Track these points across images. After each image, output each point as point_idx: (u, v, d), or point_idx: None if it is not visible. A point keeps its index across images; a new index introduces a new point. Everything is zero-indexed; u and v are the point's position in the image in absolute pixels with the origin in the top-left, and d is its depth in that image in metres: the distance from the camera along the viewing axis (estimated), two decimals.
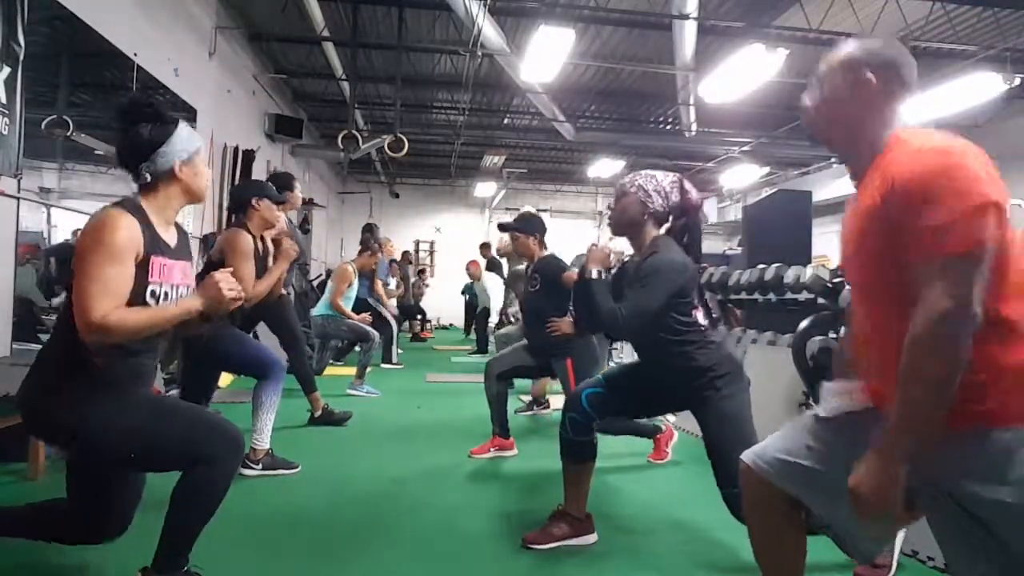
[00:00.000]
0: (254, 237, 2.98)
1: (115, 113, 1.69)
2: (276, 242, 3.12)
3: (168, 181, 1.68)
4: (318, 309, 5.36)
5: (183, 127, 1.71)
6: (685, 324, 2.09)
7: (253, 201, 3.00)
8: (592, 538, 2.28)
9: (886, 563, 1.93)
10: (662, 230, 2.20)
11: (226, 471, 1.63)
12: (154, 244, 1.62)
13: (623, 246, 2.43)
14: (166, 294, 1.65)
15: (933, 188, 1.06)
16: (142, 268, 1.58)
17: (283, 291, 3.71)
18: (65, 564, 1.92)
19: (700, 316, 2.15)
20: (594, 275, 2.08)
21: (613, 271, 2.42)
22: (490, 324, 8.83)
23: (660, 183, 2.18)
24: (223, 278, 1.65)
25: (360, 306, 6.47)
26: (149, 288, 1.60)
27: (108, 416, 1.57)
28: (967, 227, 1.03)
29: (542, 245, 3.51)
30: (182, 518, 1.60)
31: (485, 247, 8.94)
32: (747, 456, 1.40)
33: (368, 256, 5.65)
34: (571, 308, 3.40)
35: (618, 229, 2.24)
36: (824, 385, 1.36)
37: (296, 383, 4.17)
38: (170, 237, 1.72)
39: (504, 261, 6.40)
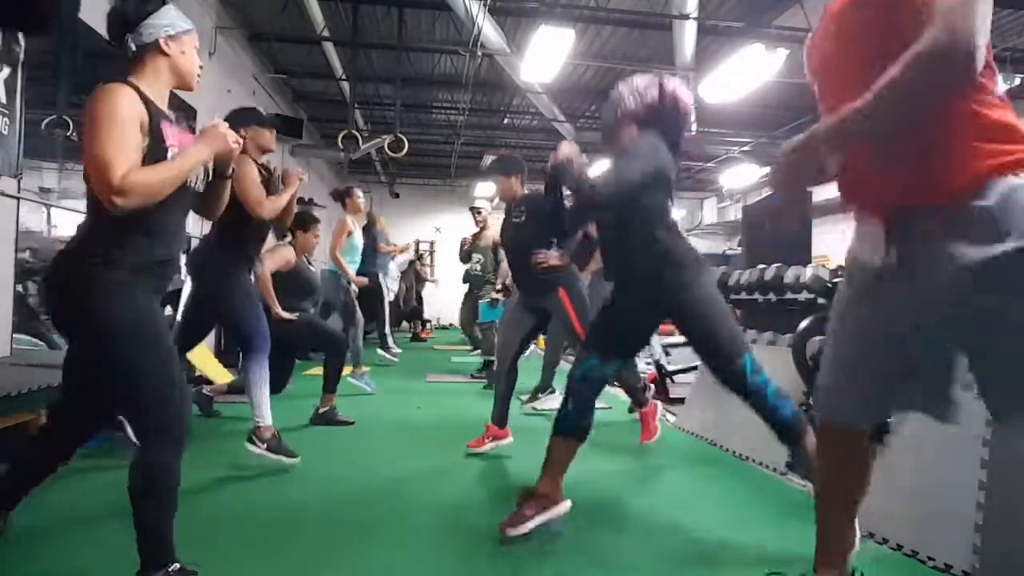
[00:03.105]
0: (258, 165, 3.00)
1: None
2: (284, 173, 3.13)
3: (154, 55, 1.70)
4: (326, 264, 5.37)
5: (171, 7, 1.74)
6: (660, 211, 2.19)
7: (241, 131, 3.00)
8: (565, 506, 2.29)
9: None
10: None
11: (166, 455, 1.61)
12: (158, 112, 1.65)
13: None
14: None
15: None
16: (155, 135, 1.60)
17: (292, 316, 3.90)
18: (64, 569, 1.92)
19: (675, 213, 2.26)
20: (561, 164, 2.17)
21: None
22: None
23: (635, 84, 2.27)
24: (222, 123, 1.74)
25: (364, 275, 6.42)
26: (169, 153, 1.63)
27: (113, 307, 1.58)
28: None
29: (523, 185, 3.58)
30: (144, 513, 1.60)
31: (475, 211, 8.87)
32: (820, 413, 1.47)
33: (351, 201, 5.59)
34: (554, 242, 3.39)
35: (603, 136, 2.34)
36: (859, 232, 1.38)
37: (297, 385, 4.19)
38: (168, 112, 1.74)
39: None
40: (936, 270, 1.16)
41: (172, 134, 1.66)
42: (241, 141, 1.81)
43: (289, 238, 4.15)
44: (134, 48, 1.68)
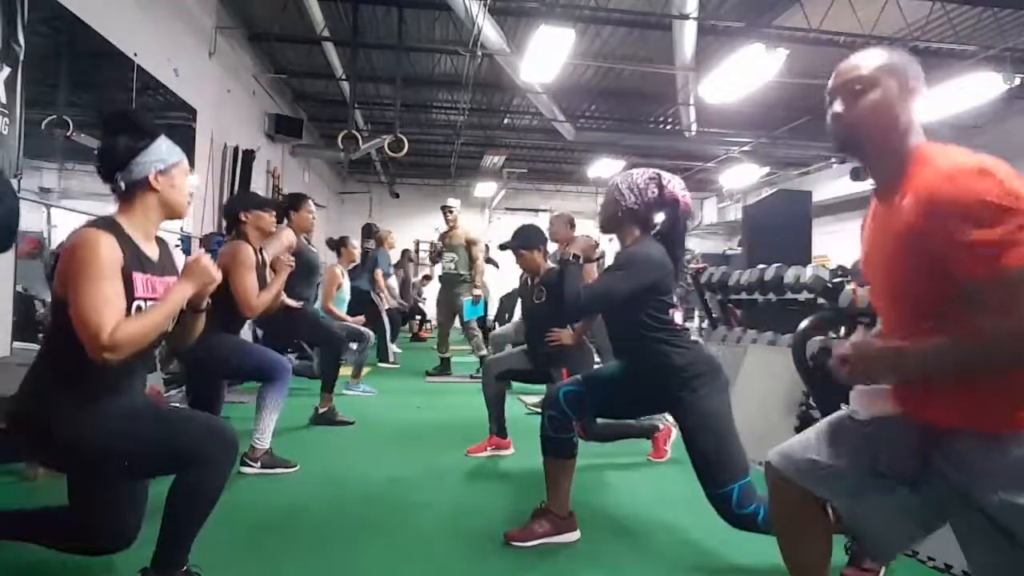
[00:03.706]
0: (255, 249, 3.01)
1: (99, 124, 1.72)
2: (274, 261, 3.12)
3: (144, 192, 1.68)
4: None
5: (163, 140, 1.72)
6: (661, 322, 2.09)
7: (242, 215, 3.03)
8: (574, 536, 2.28)
9: (875, 568, 1.93)
10: (652, 231, 2.19)
11: (219, 472, 1.63)
12: (135, 260, 1.62)
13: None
14: None
15: (983, 208, 1.08)
16: (126, 285, 1.58)
17: (298, 305, 3.87)
18: (67, 564, 1.92)
19: (678, 316, 2.15)
20: (571, 259, 2.10)
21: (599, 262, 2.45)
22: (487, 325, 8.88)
23: (634, 180, 2.17)
24: (204, 257, 1.69)
25: (361, 298, 6.47)
26: (135, 304, 1.60)
27: (102, 426, 1.57)
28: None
29: (546, 256, 3.50)
30: (178, 519, 1.60)
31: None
32: (773, 457, 1.42)
33: (347, 251, 5.65)
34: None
35: (603, 226, 2.27)
36: (856, 388, 1.36)
37: (297, 385, 4.18)
38: (152, 252, 1.72)
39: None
40: (951, 481, 1.19)
41: (143, 284, 1.63)
42: (220, 277, 1.75)
43: (285, 222, 4.12)
44: (123, 187, 1.66)
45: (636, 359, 2.17)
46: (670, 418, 4.18)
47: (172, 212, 1.75)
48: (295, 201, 4.08)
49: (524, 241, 3.39)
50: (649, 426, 3.42)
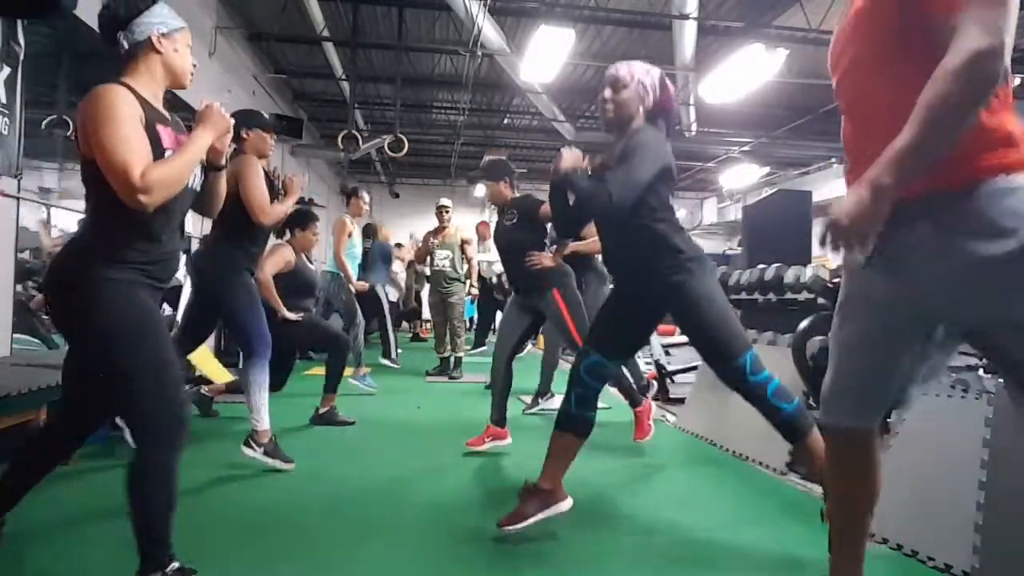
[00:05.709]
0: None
1: None
2: (286, 181, 3.10)
3: (147, 54, 1.69)
4: (326, 264, 5.39)
5: (163, 5, 1.75)
6: (664, 207, 2.17)
7: (243, 132, 2.97)
8: (567, 504, 2.27)
9: None
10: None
11: (161, 446, 1.61)
12: (154, 114, 1.65)
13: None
14: None
15: None
16: (151, 138, 1.60)
17: (297, 317, 3.88)
18: (65, 566, 1.92)
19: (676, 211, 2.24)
20: (568, 174, 2.08)
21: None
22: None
23: (655, 79, 2.20)
24: (215, 103, 1.73)
25: (365, 293, 6.48)
26: (166, 154, 1.63)
27: (116, 308, 1.58)
28: None
29: (513, 188, 3.56)
30: (141, 511, 1.59)
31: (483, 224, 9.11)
32: (821, 419, 1.49)
33: (355, 201, 5.61)
34: (548, 243, 3.45)
35: (614, 124, 2.20)
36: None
37: (297, 385, 4.18)
38: (165, 112, 1.74)
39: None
40: (926, 261, 1.21)
41: (168, 137, 1.66)
42: (232, 123, 1.81)
43: (287, 236, 4.15)
44: (127, 47, 1.68)
45: (635, 248, 2.19)
46: (671, 418, 4.22)
47: (176, 78, 1.76)
48: (303, 219, 4.09)
49: (490, 173, 3.54)
50: (633, 390, 3.50)
